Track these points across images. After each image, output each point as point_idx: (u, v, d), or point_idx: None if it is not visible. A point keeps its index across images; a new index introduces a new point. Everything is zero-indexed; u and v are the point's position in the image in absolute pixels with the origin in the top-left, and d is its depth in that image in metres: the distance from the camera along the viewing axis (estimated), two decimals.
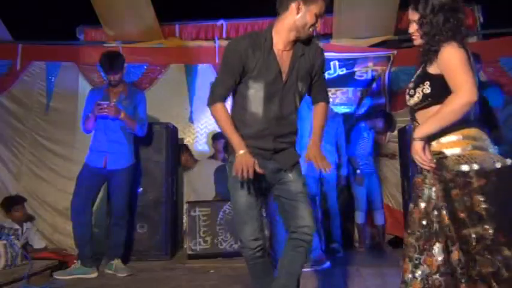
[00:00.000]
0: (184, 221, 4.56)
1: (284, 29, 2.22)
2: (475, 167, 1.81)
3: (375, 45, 4.99)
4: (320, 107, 2.41)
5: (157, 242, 4.15)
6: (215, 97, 2.24)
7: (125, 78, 4.02)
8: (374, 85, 4.97)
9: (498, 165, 1.82)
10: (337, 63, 4.97)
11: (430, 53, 1.90)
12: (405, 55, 4.80)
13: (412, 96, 1.96)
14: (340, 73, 4.97)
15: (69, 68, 5.00)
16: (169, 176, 4.30)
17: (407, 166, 4.28)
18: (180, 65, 5.09)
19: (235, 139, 2.19)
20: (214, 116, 2.26)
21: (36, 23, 5.12)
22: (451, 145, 1.88)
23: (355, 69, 4.99)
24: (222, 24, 5.18)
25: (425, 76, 1.93)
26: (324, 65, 2.41)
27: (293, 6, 2.18)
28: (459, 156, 1.85)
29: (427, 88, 1.90)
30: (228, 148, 2.36)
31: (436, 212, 1.89)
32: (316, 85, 2.39)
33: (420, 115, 1.96)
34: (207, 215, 4.11)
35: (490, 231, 1.75)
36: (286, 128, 2.30)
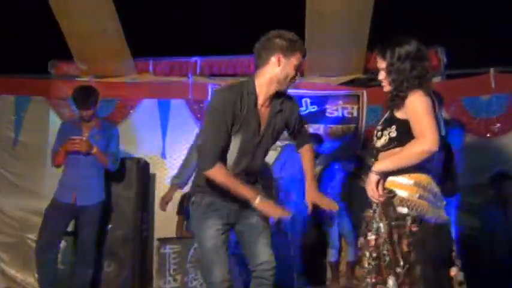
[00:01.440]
0: (153, 258, 4.45)
1: (266, 83, 2.22)
2: (413, 213, 1.92)
3: (345, 84, 5.14)
4: (307, 150, 2.47)
5: (124, 281, 4.02)
6: (212, 160, 2.13)
7: (97, 113, 3.99)
8: (346, 123, 5.08)
9: (435, 219, 1.94)
10: (308, 100, 5.08)
11: (397, 98, 1.99)
12: (373, 94, 4.97)
13: (379, 138, 2.05)
14: (312, 110, 5.06)
15: (40, 102, 4.93)
16: (138, 212, 4.22)
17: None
18: (152, 100, 5.09)
19: (245, 191, 2.17)
20: (215, 179, 2.16)
21: (6, 55, 5.07)
22: (402, 187, 1.97)
23: (326, 106, 5.10)
24: (196, 61, 5.25)
25: (392, 120, 2.02)
26: (301, 116, 2.49)
27: (273, 59, 2.19)
28: (404, 199, 1.95)
29: (393, 132, 1.99)
30: (191, 186, 2.38)
31: (387, 246, 1.95)
32: (297, 133, 2.45)
33: (384, 156, 2.04)
34: (178, 253, 4.03)
35: (405, 274, 1.87)
36: (252, 177, 2.34)
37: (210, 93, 5.07)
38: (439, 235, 1.94)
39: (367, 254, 1.99)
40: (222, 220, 2.26)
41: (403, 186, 1.97)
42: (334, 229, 4.60)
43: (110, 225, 4.08)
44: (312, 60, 4.95)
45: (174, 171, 5.02)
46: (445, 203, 2.04)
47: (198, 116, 5.07)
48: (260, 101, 2.22)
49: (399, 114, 1.99)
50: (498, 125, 4.69)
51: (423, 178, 1.97)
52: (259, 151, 2.29)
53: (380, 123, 2.10)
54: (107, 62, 4.91)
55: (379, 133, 2.05)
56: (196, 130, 5.00)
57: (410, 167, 1.93)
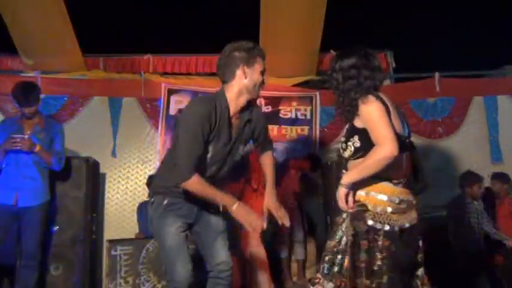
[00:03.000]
0: (104, 260, 4.33)
1: (235, 96, 2.26)
2: (386, 228, 1.97)
3: (299, 85, 5.22)
4: (269, 157, 2.53)
5: (73, 285, 3.87)
6: (190, 171, 2.15)
7: (43, 110, 3.84)
8: (299, 124, 5.16)
9: (406, 225, 2.00)
10: (263, 101, 5.11)
11: (346, 110, 2.06)
12: (326, 95, 5.08)
13: (345, 149, 2.09)
14: (266, 111, 5.10)
15: None
16: (88, 213, 4.08)
17: (330, 202, 4.42)
18: (103, 98, 4.96)
19: (223, 197, 2.20)
20: (193, 191, 2.19)
21: None
22: (376, 202, 2.01)
23: (280, 107, 5.16)
24: (148, 58, 5.17)
25: (353, 130, 2.06)
26: (266, 122, 2.57)
27: (239, 72, 2.24)
28: (377, 213, 1.99)
29: (356, 142, 2.03)
30: (152, 187, 2.38)
31: (340, 256, 2.01)
32: (261, 137, 2.50)
33: (351, 166, 2.09)
34: (129, 254, 3.94)
35: (373, 285, 1.92)
36: (218, 184, 2.32)
37: (162, 91, 5.00)
38: (406, 238, 2.01)
39: (325, 257, 2.05)
40: (181, 219, 2.29)
41: (378, 201, 2.00)
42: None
43: (56, 227, 3.92)
44: (266, 61, 5.01)
45: (125, 170, 4.94)
46: (416, 201, 2.10)
47: (151, 114, 4.99)
48: (231, 113, 2.28)
49: (358, 124, 2.04)
50: (443, 126, 4.94)
51: (397, 191, 2.02)
52: (229, 160, 2.36)
53: (343, 134, 2.15)
54: (55, 57, 4.74)
55: (344, 144, 2.09)
56: (148, 129, 4.94)
57: (382, 178, 1.99)
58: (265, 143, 2.55)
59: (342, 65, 2.08)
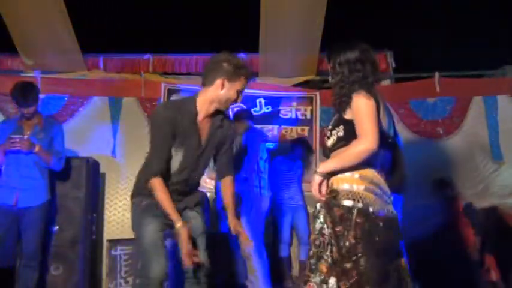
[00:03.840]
0: (104, 260, 4.33)
1: (207, 101, 2.36)
2: (359, 205, 1.97)
3: (298, 85, 5.22)
4: (228, 182, 2.57)
5: (73, 285, 3.87)
6: (153, 172, 2.28)
7: (43, 110, 3.83)
8: (299, 125, 5.16)
9: (382, 212, 1.99)
10: (262, 101, 5.12)
11: (341, 101, 2.08)
12: (326, 95, 5.08)
13: (329, 138, 2.13)
14: (266, 111, 5.10)
15: None
16: (88, 213, 4.08)
17: None
18: (103, 98, 4.96)
19: (173, 213, 2.26)
20: (153, 190, 2.29)
21: None
22: (346, 180, 2.03)
23: (280, 107, 5.16)
24: (148, 58, 5.17)
25: (340, 121, 2.09)
26: (233, 139, 2.65)
27: (218, 82, 2.33)
28: (349, 192, 2.00)
29: (340, 131, 2.07)
30: (133, 188, 2.48)
31: (330, 247, 2.00)
32: (224, 157, 2.55)
33: (333, 156, 2.11)
34: (129, 254, 3.94)
35: (350, 267, 1.92)
36: (192, 187, 2.50)
37: (163, 91, 5.01)
38: (390, 228, 1.99)
39: (310, 252, 2.05)
40: (159, 219, 2.35)
41: (348, 179, 2.02)
42: (286, 224, 4.62)
43: (56, 227, 3.92)
44: (266, 61, 5.02)
45: (125, 170, 4.94)
46: (392, 198, 2.10)
47: (151, 114, 4.98)
48: (200, 117, 2.37)
49: (346, 115, 2.07)
50: (443, 127, 4.94)
51: (369, 172, 2.02)
52: (201, 163, 2.45)
53: (330, 123, 2.18)
54: (55, 57, 4.74)
55: (329, 133, 2.14)
56: (148, 128, 4.93)
57: (356, 165, 2.00)
58: (226, 164, 2.57)
59: (348, 58, 2.09)
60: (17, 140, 3.34)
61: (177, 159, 2.35)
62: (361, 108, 1.98)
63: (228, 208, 2.53)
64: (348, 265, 1.92)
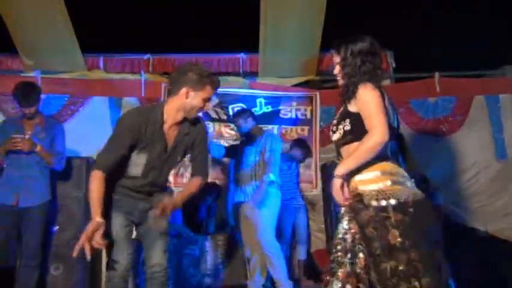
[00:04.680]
0: (104, 260, 4.32)
1: (173, 109, 2.42)
2: (393, 202, 1.92)
3: (298, 85, 5.22)
4: (195, 181, 2.57)
5: (73, 284, 3.87)
6: (99, 166, 2.36)
7: (44, 110, 3.83)
8: (299, 124, 5.16)
9: (412, 198, 1.94)
10: (262, 100, 5.12)
11: (348, 92, 2.06)
12: (326, 95, 5.09)
13: (334, 132, 2.12)
14: (266, 111, 5.10)
15: None
16: (88, 213, 4.06)
17: (330, 203, 4.43)
18: (103, 98, 4.95)
19: (96, 208, 2.29)
20: (90, 180, 2.35)
21: None
22: (370, 181, 1.98)
23: (280, 107, 5.15)
24: (148, 59, 5.17)
25: (346, 114, 2.08)
26: (206, 141, 2.64)
27: (183, 91, 2.37)
28: (378, 191, 1.95)
29: (347, 125, 2.04)
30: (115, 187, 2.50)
31: (350, 255, 1.97)
32: (197, 160, 2.59)
33: (344, 150, 2.10)
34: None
35: (402, 264, 1.85)
36: (158, 189, 2.56)
37: (162, 91, 5.01)
38: (423, 210, 1.95)
39: (331, 256, 2.02)
40: (125, 215, 2.46)
41: (372, 180, 1.98)
42: (288, 224, 4.59)
43: (57, 227, 3.92)
44: (266, 61, 5.02)
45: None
46: (413, 181, 2.07)
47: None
48: (168, 124, 2.43)
49: (352, 108, 2.05)
50: (445, 125, 4.94)
51: (387, 166, 2.00)
52: (166, 167, 2.53)
53: (336, 117, 2.17)
54: (55, 57, 4.74)
55: (334, 127, 2.12)
56: None
57: (372, 160, 1.97)
58: (200, 166, 2.60)
59: (360, 49, 2.08)
60: (19, 139, 3.35)
61: (140, 162, 2.42)
62: (369, 101, 1.97)
63: (181, 193, 2.55)
64: (385, 265, 1.87)
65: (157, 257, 2.51)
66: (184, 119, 2.46)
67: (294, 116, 5.15)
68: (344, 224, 2.03)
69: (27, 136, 3.41)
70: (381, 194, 1.94)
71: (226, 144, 4.81)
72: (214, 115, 5.12)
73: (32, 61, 4.78)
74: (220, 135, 5.10)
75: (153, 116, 2.40)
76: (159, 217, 2.38)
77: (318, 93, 5.15)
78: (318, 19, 4.55)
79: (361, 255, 1.94)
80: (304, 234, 4.70)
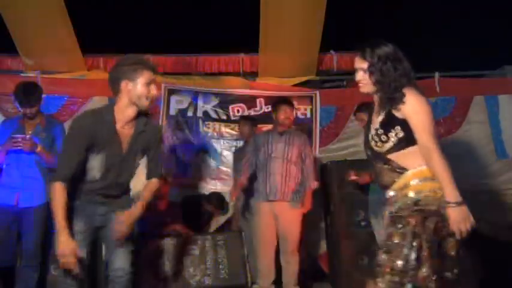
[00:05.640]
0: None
1: (123, 108, 2.40)
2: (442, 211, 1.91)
3: (298, 85, 5.22)
4: (152, 184, 2.62)
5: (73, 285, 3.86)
6: (59, 176, 2.32)
7: (44, 111, 3.82)
8: (299, 124, 5.15)
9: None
10: (262, 100, 5.12)
11: (394, 97, 1.98)
12: (325, 95, 5.09)
13: (384, 142, 2.00)
14: (266, 110, 5.09)
15: None
16: None
17: (329, 203, 4.43)
18: (103, 98, 4.92)
19: (59, 220, 2.26)
20: (51, 193, 2.32)
21: None
22: (428, 187, 1.95)
23: None
24: (148, 58, 5.13)
25: (394, 121, 1.99)
26: (160, 141, 2.70)
27: (122, 86, 2.36)
28: (435, 199, 1.93)
29: (400, 132, 1.97)
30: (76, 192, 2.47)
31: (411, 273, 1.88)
32: (152, 160, 2.60)
33: (397, 157, 2.01)
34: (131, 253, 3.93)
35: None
36: (119, 191, 2.54)
37: (163, 91, 5.01)
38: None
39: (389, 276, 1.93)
40: (86, 220, 2.43)
41: (429, 185, 1.95)
42: None
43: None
44: (266, 61, 5.02)
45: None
46: None
47: (151, 114, 4.98)
48: (121, 123, 2.41)
49: (399, 114, 1.98)
50: (444, 126, 4.94)
51: (426, 169, 1.98)
52: (125, 167, 2.49)
53: (376, 127, 2.05)
54: (55, 57, 4.74)
55: (383, 137, 2.00)
56: None
57: (417, 169, 1.97)
58: (155, 166, 2.62)
59: (387, 53, 2.01)
60: (19, 139, 3.34)
61: (96, 164, 2.40)
62: (422, 114, 1.93)
63: (139, 202, 2.52)
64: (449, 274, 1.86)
65: (119, 260, 2.50)
66: (138, 117, 2.44)
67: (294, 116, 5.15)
68: (408, 242, 1.91)
69: (27, 136, 3.41)
70: (438, 200, 1.92)
71: (227, 144, 4.83)
72: (214, 115, 5.12)
73: (32, 61, 4.77)
74: (221, 136, 5.10)
75: (105, 117, 2.39)
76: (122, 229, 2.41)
77: (317, 93, 5.15)
78: (318, 19, 4.55)
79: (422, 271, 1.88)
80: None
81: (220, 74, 5.23)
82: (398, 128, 1.97)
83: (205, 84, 5.16)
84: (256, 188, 3.86)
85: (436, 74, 5.04)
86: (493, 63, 5.26)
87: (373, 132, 2.05)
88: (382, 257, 1.94)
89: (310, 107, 5.16)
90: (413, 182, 1.96)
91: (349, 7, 5.14)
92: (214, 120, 5.12)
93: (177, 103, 5.07)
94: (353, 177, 3.79)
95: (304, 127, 5.13)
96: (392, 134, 1.98)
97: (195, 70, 5.21)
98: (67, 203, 2.30)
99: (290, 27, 4.64)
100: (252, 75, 5.21)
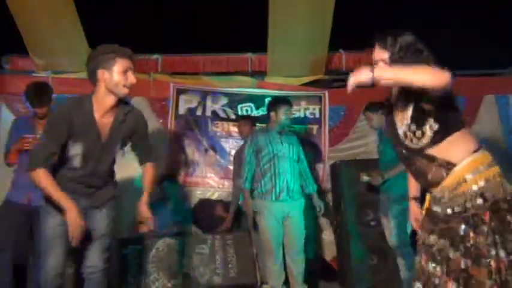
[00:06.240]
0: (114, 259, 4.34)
1: (101, 97, 2.41)
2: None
3: (307, 84, 5.21)
4: (149, 167, 2.71)
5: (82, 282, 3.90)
6: (38, 161, 2.33)
7: (54, 110, 3.85)
8: (308, 124, 5.15)
9: None
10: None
11: (417, 92, 1.80)
12: (334, 94, 5.07)
13: (420, 137, 1.86)
14: None
15: None
16: None
17: (339, 202, 4.41)
18: None
19: (64, 201, 2.32)
20: (37, 182, 2.34)
21: None
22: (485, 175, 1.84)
23: None
24: (157, 59, 5.18)
25: (424, 114, 1.85)
26: (146, 128, 2.69)
27: (99, 74, 2.38)
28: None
29: (434, 125, 1.83)
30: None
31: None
32: (141, 147, 2.67)
33: (436, 152, 1.86)
34: (139, 253, 3.96)
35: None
36: (100, 180, 2.56)
37: (171, 90, 5.03)
38: None
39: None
40: (63, 216, 2.39)
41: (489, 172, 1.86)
42: None
43: None
44: (274, 61, 5.02)
45: (133, 169, 4.93)
46: None
47: (160, 114, 5.01)
48: (100, 113, 2.42)
49: (427, 106, 1.83)
50: None
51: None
52: (104, 156, 2.51)
53: (406, 122, 1.90)
54: (65, 57, 4.77)
55: (418, 132, 1.86)
56: (157, 128, 4.95)
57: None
58: (144, 152, 2.69)
59: (409, 42, 1.89)
60: (30, 139, 3.37)
61: (76, 153, 2.42)
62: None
63: (146, 191, 2.65)
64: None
65: (94, 258, 2.54)
66: (118, 106, 2.45)
67: (302, 115, 5.15)
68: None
69: (38, 136, 3.43)
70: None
71: (236, 144, 4.82)
72: (223, 115, 5.14)
73: (43, 61, 4.81)
74: (229, 135, 5.11)
75: (83, 106, 2.40)
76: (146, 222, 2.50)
77: (326, 92, 5.14)
78: (327, 18, 4.54)
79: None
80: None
81: (229, 73, 5.24)
82: (431, 120, 1.83)
83: (213, 83, 5.17)
84: (261, 188, 3.82)
85: None
86: (503, 62, 5.21)
87: (405, 128, 1.91)
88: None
89: (319, 106, 5.15)
90: (469, 176, 1.81)
91: (358, 5, 5.11)
92: (222, 119, 5.13)
93: (186, 103, 5.09)
94: (365, 178, 3.78)
95: (313, 126, 5.13)
96: (426, 128, 1.84)
97: (203, 70, 5.22)
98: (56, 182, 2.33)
99: (298, 27, 4.63)
100: (261, 74, 5.21)
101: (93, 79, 2.41)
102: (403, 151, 1.96)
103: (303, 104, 5.16)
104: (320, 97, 5.14)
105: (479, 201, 1.79)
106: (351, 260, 4.15)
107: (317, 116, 5.15)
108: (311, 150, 4.79)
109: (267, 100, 5.10)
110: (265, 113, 4.99)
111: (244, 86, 5.18)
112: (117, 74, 2.37)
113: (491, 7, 5.15)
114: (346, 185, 4.27)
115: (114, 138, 2.49)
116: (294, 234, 3.75)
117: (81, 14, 4.47)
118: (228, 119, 5.13)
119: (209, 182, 5.00)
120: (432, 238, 1.90)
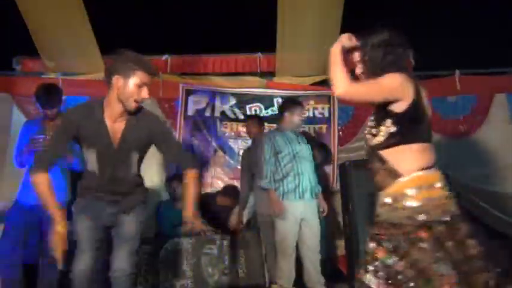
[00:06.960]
0: None
1: (112, 103, 2.34)
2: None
3: (316, 84, 5.20)
4: (191, 176, 2.52)
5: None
6: (39, 166, 2.34)
7: (64, 111, 3.88)
8: (317, 123, 5.13)
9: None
10: (280, 100, 5.11)
11: None
12: None
13: (374, 135, 1.91)
14: None
15: (2, 100, 4.78)
16: None
17: (348, 203, 4.39)
18: None
19: (53, 210, 2.34)
20: (35, 186, 2.35)
21: None
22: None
23: None
24: (166, 59, 5.20)
25: (385, 114, 1.88)
26: (165, 131, 2.56)
27: (114, 80, 2.30)
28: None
29: (391, 126, 1.86)
30: (77, 190, 2.55)
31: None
32: (170, 152, 2.52)
33: (388, 154, 1.88)
34: (149, 253, 3.97)
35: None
36: (123, 187, 2.48)
37: (180, 91, 5.04)
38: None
39: None
40: (93, 219, 2.44)
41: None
42: None
43: None
44: (283, 60, 5.01)
45: (142, 170, 4.95)
46: None
47: (169, 114, 5.03)
48: (111, 118, 2.36)
49: (392, 107, 1.85)
50: (464, 125, 4.86)
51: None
52: (121, 162, 2.43)
53: (371, 119, 1.97)
54: (75, 58, 4.80)
55: (374, 130, 1.92)
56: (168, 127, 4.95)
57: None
58: (181, 156, 2.55)
59: (379, 41, 1.92)
60: (41, 140, 3.40)
61: (92, 159, 2.41)
62: (384, 80, 1.82)
63: (189, 203, 2.49)
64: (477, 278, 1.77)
65: (120, 261, 2.47)
66: (124, 111, 2.37)
67: (311, 115, 5.14)
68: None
69: (48, 137, 3.46)
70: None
71: (244, 144, 4.82)
72: (232, 115, 5.14)
73: (53, 63, 4.85)
74: (238, 135, 5.11)
75: (95, 112, 2.37)
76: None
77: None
78: (336, 17, 4.52)
79: None
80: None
81: (238, 74, 5.24)
82: (389, 121, 1.85)
83: (222, 84, 5.18)
84: (284, 188, 3.75)
85: (457, 72, 4.96)
86: None
87: (369, 123, 1.98)
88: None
89: (328, 106, 5.14)
90: (410, 192, 1.81)
91: (368, 4, 5.09)
92: (231, 120, 5.13)
93: (195, 103, 5.10)
94: None
95: (322, 126, 5.11)
96: (383, 127, 1.87)
97: (212, 70, 5.23)
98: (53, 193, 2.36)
99: (307, 26, 4.62)
100: (269, 74, 5.21)
101: (107, 82, 2.35)
102: (365, 146, 2.02)
103: (312, 103, 5.15)
104: (329, 96, 5.13)
105: (417, 218, 1.77)
106: (360, 261, 4.12)
107: (326, 115, 5.13)
108: (321, 150, 4.77)
109: (275, 100, 5.11)
110: (274, 113, 5.00)
111: (253, 86, 5.18)
112: (132, 86, 2.30)
113: (502, 5, 5.09)
114: (355, 185, 4.24)
115: (127, 143, 2.41)
116: (313, 233, 3.74)
117: (90, 15, 4.49)
118: (236, 120, 5.13)
119: (218, 183, 5.00)
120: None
